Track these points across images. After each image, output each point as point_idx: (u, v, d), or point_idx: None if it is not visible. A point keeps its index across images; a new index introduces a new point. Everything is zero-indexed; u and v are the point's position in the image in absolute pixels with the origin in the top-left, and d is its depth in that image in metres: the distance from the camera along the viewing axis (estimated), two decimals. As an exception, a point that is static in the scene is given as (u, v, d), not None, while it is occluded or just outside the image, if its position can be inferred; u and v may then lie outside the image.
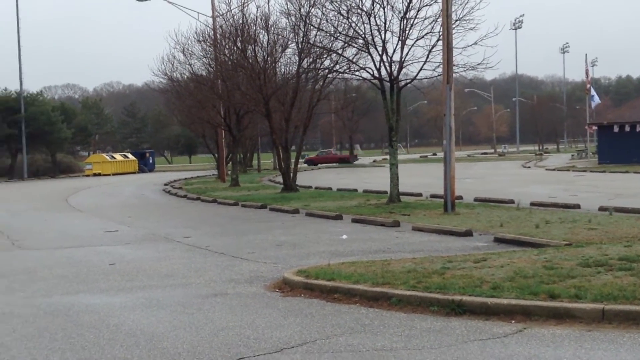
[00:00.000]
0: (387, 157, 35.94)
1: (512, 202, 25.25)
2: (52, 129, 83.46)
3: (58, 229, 24.05)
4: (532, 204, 24.54)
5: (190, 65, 49.29)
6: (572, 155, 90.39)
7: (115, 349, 8.74)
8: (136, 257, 16.77)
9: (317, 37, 32.72)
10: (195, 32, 47.54)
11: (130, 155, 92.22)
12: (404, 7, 25.86)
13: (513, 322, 9.26)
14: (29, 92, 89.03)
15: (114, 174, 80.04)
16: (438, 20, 24.87)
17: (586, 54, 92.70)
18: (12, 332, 9.78)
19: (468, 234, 17.74)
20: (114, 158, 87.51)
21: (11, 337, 9.55)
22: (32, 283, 13.67)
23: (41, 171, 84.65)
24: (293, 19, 34.90)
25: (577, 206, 23.32)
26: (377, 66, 26.62)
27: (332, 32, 28.95)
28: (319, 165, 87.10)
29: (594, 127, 68.79)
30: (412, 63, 26.64)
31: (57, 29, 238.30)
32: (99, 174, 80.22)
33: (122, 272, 14.48)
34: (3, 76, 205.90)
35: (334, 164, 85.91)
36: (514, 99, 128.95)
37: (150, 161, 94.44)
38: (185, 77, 51.47)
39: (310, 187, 40.87)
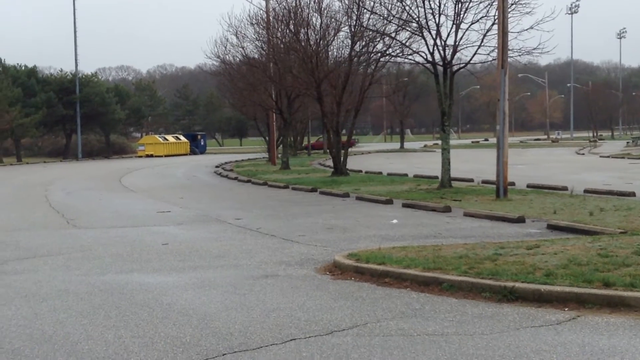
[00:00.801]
0: (438, 142, 35.85)
1: (565, 189, 24.99)
2: (106, 110, 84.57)
3: (112, 209, 24.33)
4: (586, 191, 24.29)
5: (242, 48, 49.44)
6: (627, 142, 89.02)
7: (168, 328, 8.84)
8: (188, 237, 16.90)
9: (370, 20, 32.74)
10: (249, 15, 48.24)
11: (182, 137, 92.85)
12: (459, -8, 25.66)
13: (566, 309, 9.16)
14: (83, 73, 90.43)
15: (166, 156, 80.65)
16: (493, 3, 24.63)
17: None
18: (68, 309, 9.92)
19: (520, 220, 17.58)
20: (166, 140, 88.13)
21: (67, 313, 9.69)
22: (87, 261, 13.83)
23: (95, 152, 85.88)
24: (346, 1, 35.03)
25: (632, 194, 23.02)
26: (431, 50, 26.51)
27: (386, 16, 28.89)
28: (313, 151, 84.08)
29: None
30: (466, 47, 26.49)
31: (112, 11, 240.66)
32: (152, 155, 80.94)
33: (175, 252, 14.60)
34: (59, 58, 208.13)
35: (381, 150, 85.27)
36: (568, 85, 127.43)
37: (202, 143, 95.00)
38: (238, 59, 51.62)
39: (361, 171, 40.84)
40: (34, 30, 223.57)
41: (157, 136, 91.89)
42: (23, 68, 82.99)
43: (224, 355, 7.69)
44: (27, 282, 11.86)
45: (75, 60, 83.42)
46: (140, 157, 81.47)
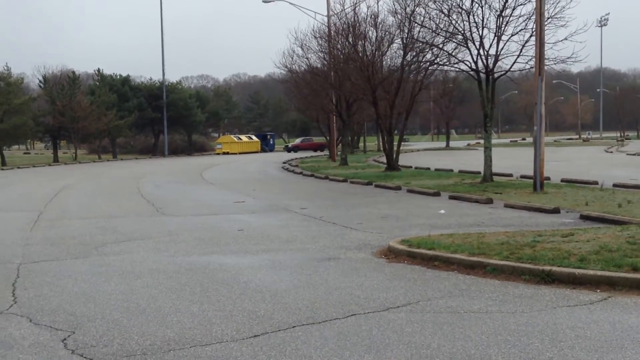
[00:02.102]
0: (480, 141, 35.51)
1: (596, 183, 24.61)
2: (188, 113, 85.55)
3: (194, 199, 24.61)
4: (615, 185, 23.85)
5: (307, 58, 49.66)
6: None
7: (245, 303, 8.93)
8: (260, 224, 17.01)
9: (420, 33, 32.50)
10: (313, 30, 48.27)
11: (254, 137, 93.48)
12: (500, 6, 25.59)
13: (598, 291, 9.04)
14: (169, 81, 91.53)
15: (239, 153, 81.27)
16: (531, 17, 24.38)
17: None
18: (159, 286, 10.10)
19: (556, 211, 17.34)
20: (240, 139, 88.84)
21: (158, 289, 9.87)
22: (174, 244, 14.04)
23: (179, 149, 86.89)
24: (399, 17, 34.92)
25: (657, 188, 22.53)
26: (475, 59, 26.38)
27: (434, 29, 28.73)
28: (298, 151, 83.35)
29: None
30: (506, 57, 26.20)
31: (194, 25, 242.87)
32: (227, 153, 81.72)
33: (249, 237, 14.72)
34: (149, 67, 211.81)
35: (429, 148, 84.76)
36: (598, 90, 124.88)
37: (271, 142, 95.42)
38: (303, 69, 51.79)
39: (411, 167, 40.63)
40: (128, 44, 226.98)
41: (232, 136, 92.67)
42: (118, 77, 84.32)
43: (293, 327, 7.74)
44: (124, 262, 12.10)
45: (163, 69, 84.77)
46: (218, 154, 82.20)
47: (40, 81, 75.52)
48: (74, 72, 75.82)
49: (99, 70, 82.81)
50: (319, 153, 69.07)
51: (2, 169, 53.89)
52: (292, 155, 74.06)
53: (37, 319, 8.40)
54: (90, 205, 23.11)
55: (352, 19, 40.80)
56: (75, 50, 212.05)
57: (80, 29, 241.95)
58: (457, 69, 31.09)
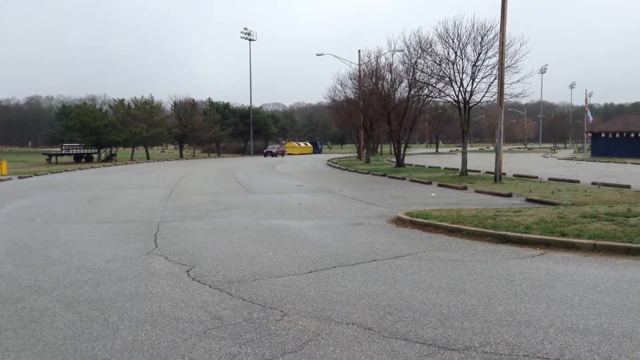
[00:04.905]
0: (459, 148, 35.01)
1: (536, 177, 24.21)
2: (266, 127, 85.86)
3: (269, 183, 24.69)
4: (549, 179, 23.39)
5: (344, 92, 49.67)
6: (574, 150, 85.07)
7: (303, 250, 8.98)
8: (312, 200, 17.04)
9: (420, 76, 32.09)
10: (348, 73, 48.50)
11: (308, 143, 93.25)
12: (474, 59, 25.18)
13: (538, 249, 8.90)
14: (254, 106, 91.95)
15: (298, 154, 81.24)
16: (495, 67, 23.96)
17: (586, 89, 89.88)
18: (247, 238, 10.17)
19: (509, 195, 17.08)
20: (299, 145, 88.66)
21: (247, 240, 9.91)
22: (256, 212, 14.14)
23: (259, 151, 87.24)
24: (406, 65, 34.47)
25: (577, 181, 22.02)
26: (456, 94, 26.05)
27: (430, 73, 28.37)
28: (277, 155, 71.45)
29: (589, 134, 64.62)
30: (477, 92, 25.95)
31: (270, 68, 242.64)
32: (291, 154, 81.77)
33: (305, 209, 14.77)
34: (241, 95, 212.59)
35: (424, 153, 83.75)
36: (538, 116, 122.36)
37: (319, 147, 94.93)
38: (341, 99, 51.79)
39: (412, 164, 40.10)
40: (228, 79, 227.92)
41: (294, 143, 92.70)
42: (221, 103, 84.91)
43: (334, 267, 7.77)
44: (225, 222, 12.24)
45: (250, 98, 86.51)
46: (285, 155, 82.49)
47: (172, 105, 76.54)
48: (193, 100, 76.47)
49: (209, 99, 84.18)
50: (350, 154, 68.52)
51: (147, 162, 54.92)
52: (332, 155, 73.52)
53: (169, 257, 8.57)
54: (203, 185, 23.39)
55: (375, 67, 40.68)
56: (195, 85, 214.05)
57: (201, 72, 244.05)
58: (444, 100, 30.69)
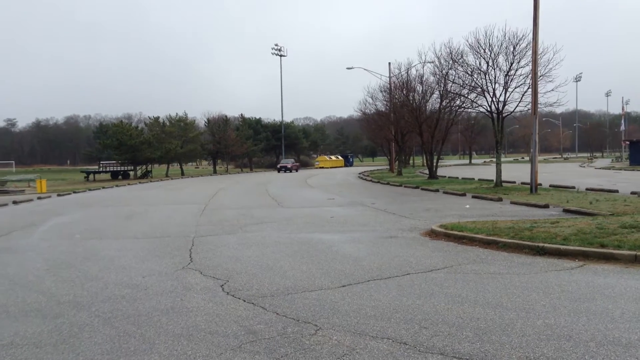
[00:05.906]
0: (493, 159, 34.58)
1: (573, 187, 23.56)
2: (297, 141, 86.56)
3: (301, 197, 24.78)
4: (587, 189, 22.77)
5: (375, 105, 49.62)
6: (612, 159, 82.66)
7: (336, 264, 8.96)
8: (345, 213, 17.00)
9: (452, 87, 31.83)
10: (379, 86, 48.60)
11: (339, 156, 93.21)
12: (507, 68, 24.78)
13: (576, 260, 8.67)
14: (285, 121, 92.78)
15: (330, 167, 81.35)
16: (529, 76, 23.54)
17: (622, 97, 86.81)
18: (280, 252, 10.23)
19: (546, 206, 16.68)
20: (331, 158, 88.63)
21: (280, 254, 9.98)
22: (289, 225, 14.20)
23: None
24: (437, 76, 34.27)
25: (616, 191, 21.41)
26: (489, 104, 25.62)
27: (461, 84, 28.10)
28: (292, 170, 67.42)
29: (627, 142, 63.01)
30: (511, 102, 25.48)
31: (301, 83, 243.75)
32: (322, 167, 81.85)
33: (337, 222, 14.75)
34: (273, 111, 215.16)
35: (457, 164, 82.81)
36: (574, 125, 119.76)
37: (350, 160, 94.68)
38: (372, 111, 51.72)
39: (445, 176, 39.67)
40: (260, 96, 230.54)
41: (325, 156, 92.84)
42: (253, 119, 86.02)
43: (368, 281, 7.72)
44: (258, 236, 12.32)
45: (282, 113, 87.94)
46: (316, 168, 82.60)
47: (205, 122, 77.90)
48: (226, 116, 77.53)
49: (241, 114, 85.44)
50: (382, 167, 68.14)
51: (182, 178, 55.88)
52: (364, 168, 73.30)
53: (204, 272, 8.67)
54: (236, 200, 23.62)
55: (406, 78, 40.53)
56: (227, 101, 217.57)
57: (233, 89, 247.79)
58: (477, 111, 30.42)
